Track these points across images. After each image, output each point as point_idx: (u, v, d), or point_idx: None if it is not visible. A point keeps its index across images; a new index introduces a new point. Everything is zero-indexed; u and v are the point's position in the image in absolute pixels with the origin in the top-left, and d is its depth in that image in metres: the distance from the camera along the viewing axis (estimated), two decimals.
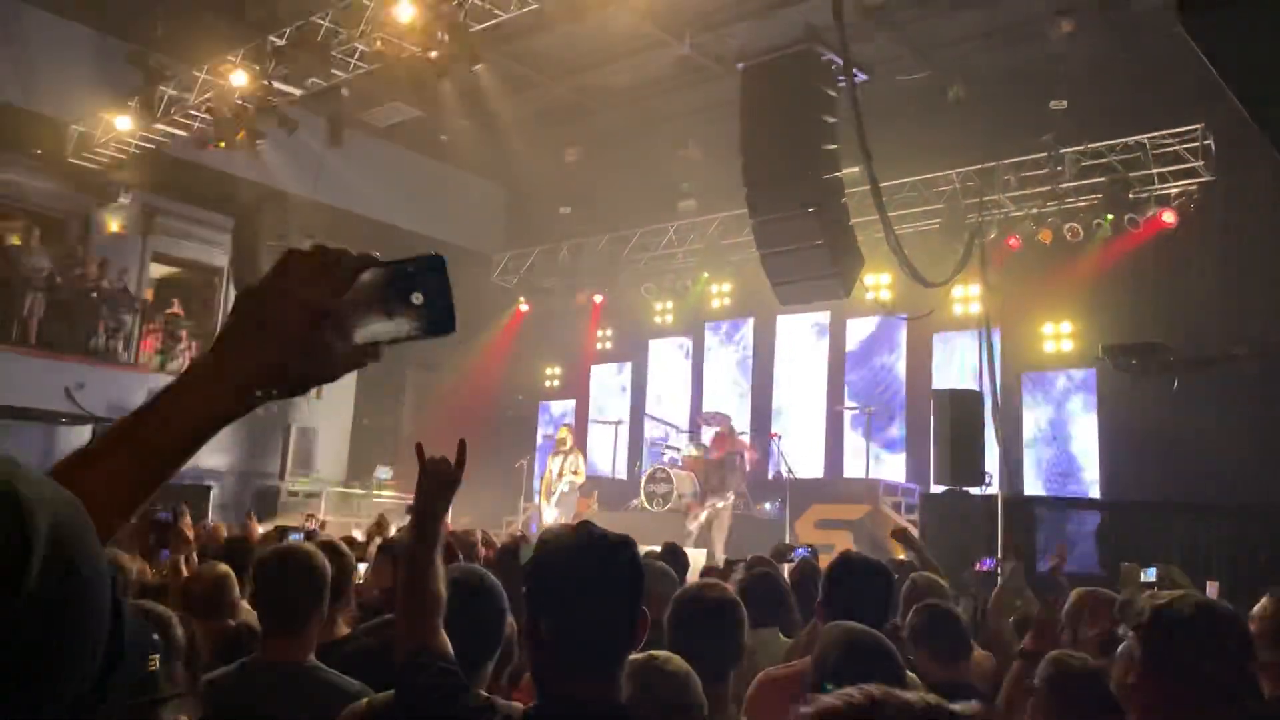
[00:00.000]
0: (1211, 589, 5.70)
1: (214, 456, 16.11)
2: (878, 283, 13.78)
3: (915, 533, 10.60)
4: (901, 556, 8.56)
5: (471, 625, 2.18)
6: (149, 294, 16.68)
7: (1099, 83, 11.79)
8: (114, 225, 15.41)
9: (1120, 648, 2.20)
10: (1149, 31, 10.39)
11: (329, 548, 3.22)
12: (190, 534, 6.16)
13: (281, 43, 11.61)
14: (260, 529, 9.11)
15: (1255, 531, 8.44)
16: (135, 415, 0.92)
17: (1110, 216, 11.76)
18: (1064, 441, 12.99)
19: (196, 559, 4.78)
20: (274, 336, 0.95)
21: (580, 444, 15.39)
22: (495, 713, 1.83)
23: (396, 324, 0.99)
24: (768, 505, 13.64)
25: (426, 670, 1.94)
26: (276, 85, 12.08)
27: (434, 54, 10.70)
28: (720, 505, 12.44)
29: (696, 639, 2.75)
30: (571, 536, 1.84)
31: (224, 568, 3.46)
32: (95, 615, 0.69)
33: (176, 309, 16.88)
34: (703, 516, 12.42)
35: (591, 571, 1.77)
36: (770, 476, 14.39)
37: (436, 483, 2.18)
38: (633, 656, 2.48)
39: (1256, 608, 2.93)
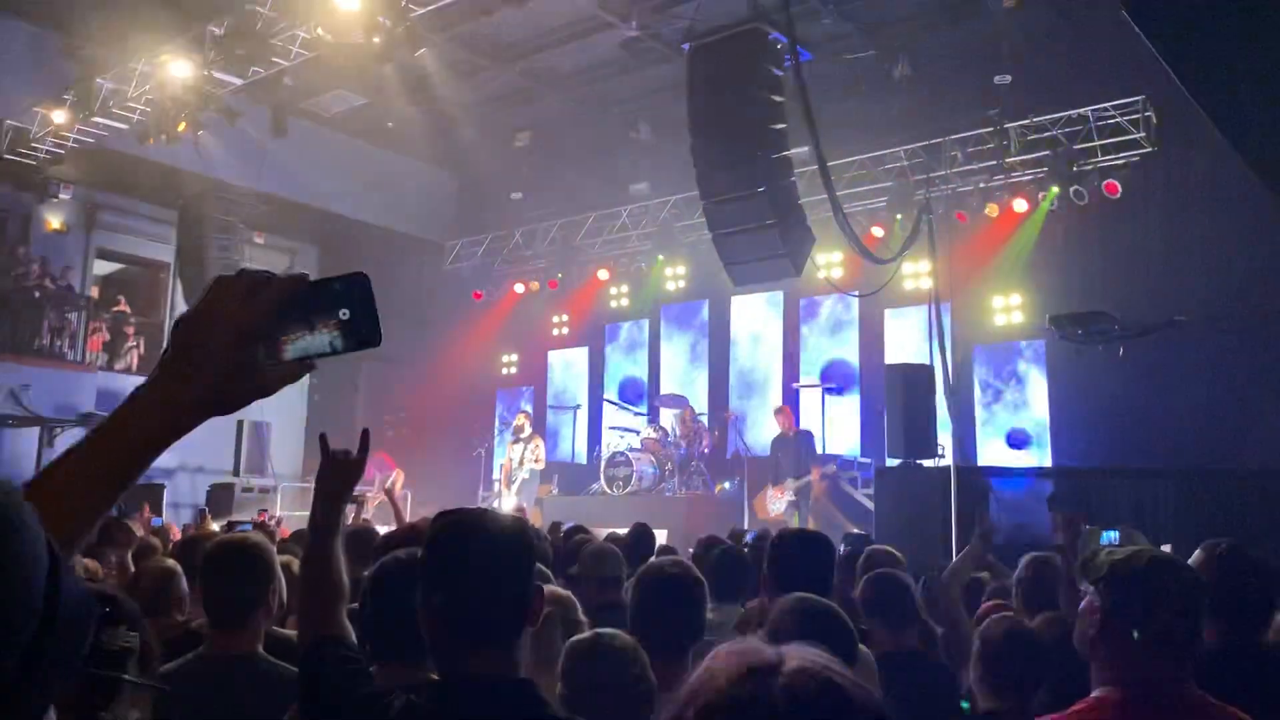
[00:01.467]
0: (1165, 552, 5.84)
1: (166, 454, 15.79)
2: (829, 261, 13.87)
3: (870, 506, 10.73)
4: (856, 530, 8.67)
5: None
6: (94, 291, 16.39)
7: (1042, 57, 11.91)
8: (55, 222, 15.12)
9: (1082, 603, 2.27)
10: (1090, 5, 10.52)
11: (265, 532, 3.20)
12: (140, 531, 6.10)
13: (220, 32, 11.40)
14: (215, 525, 9.03)
15: (1200, 494, 8.63)
16: (89, 439, 1.02)
17: (1055, 189, 11.93)
18: (1016, 411, 13.18)
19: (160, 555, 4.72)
20: (203, 360, 1.02)
21: (539, 430, 15.37)
22: (396, 696, 1.83)
23: (325, 339, 1.07)
24: (726, 484, 13.72)
25: (327, 658, 1.95)
26: (216, 75, 11.88)
27: (377, 40, 10.56)
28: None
29: (656, 615, 2.76)
30: (463, 515, 1.89)
31: (171, 563, 3.42)
32: (20, 582, 0.72)
33: (123, 305, 16.62)
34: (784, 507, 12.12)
35: (480, 548, 1.81)
36: (729, 456, 14.48)
37: (338, 474, 2.16)
38: (580, 635, 2.50)
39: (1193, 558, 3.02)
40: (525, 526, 1.91)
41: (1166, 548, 5.99)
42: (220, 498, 13.39)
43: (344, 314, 1.06)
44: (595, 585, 4.20)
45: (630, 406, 15.24)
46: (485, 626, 1.78)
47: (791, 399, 14.63)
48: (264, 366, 1.04)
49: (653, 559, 4.71)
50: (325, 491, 2.15)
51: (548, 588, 3.03)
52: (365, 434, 2.22)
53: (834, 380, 14.21)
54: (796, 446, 12.32)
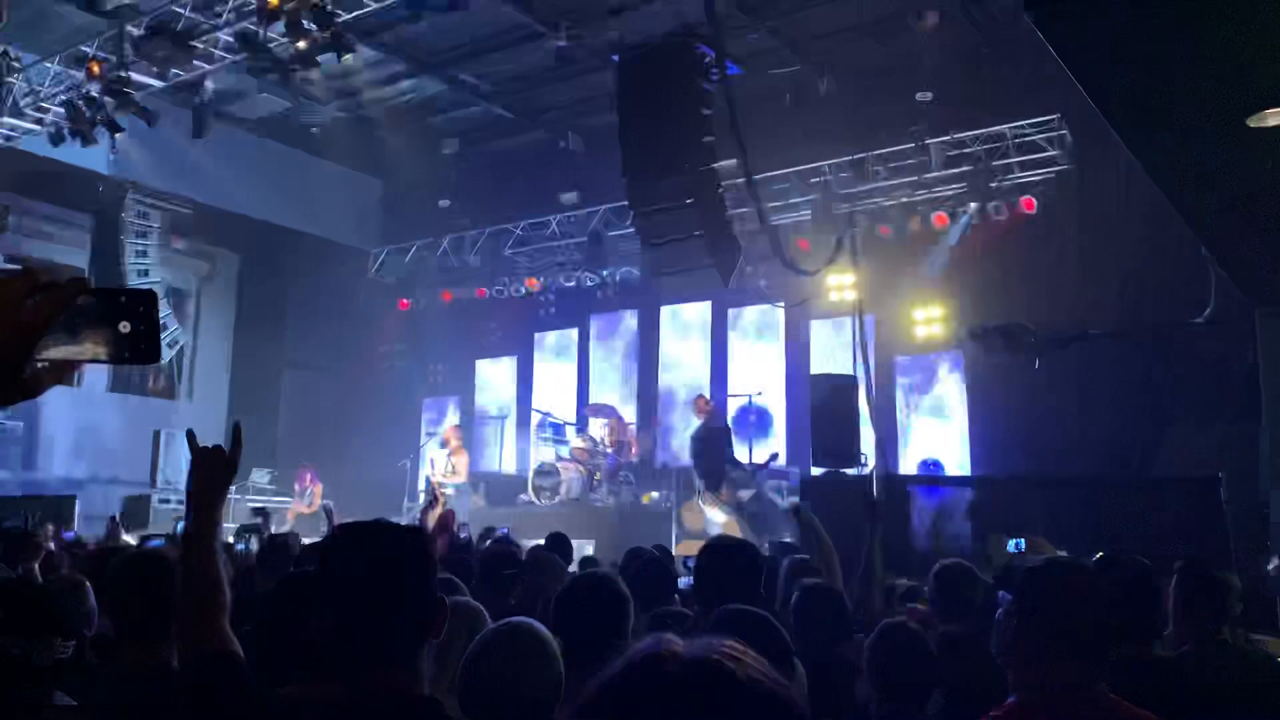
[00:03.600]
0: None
1: (79, 464, 15.40)
2: (756, 271, 13.99)
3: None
4: (787, 539, 8.74)
5: None
6: None
7: (962, 75, 12.21)
8: None
9: (998, 611, 2.33)
10: (1008, 24, 10.81)
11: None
12: (49, 544, 5.90)
13: (140, 33, 11.12)
14: (129, 538, 8.77)
15: (1111, 502, 8.87)
16: None
17: (975, 205, 12.23)
18: (936, 421, 13.43)
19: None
20: None
21: (467, 440, 15.22)
22: (296, 712, 1.78)
23: (97, 348, 1.04)
24: (655, 494, 13.73)
25: (214, 677, 1.86)
26: (135, 77, 11.58)
27: (301, 44, 10.40)
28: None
29: (579, 627, 2.75)
30: (358, 529, 1.85)
31: (78, 577, 3.32)
32: None
33: None
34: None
35: (375, 562, 1.78)
36: (657, 466, 14.51)
37: (212, 471, 2.05)
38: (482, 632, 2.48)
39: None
40: (421, 538, 1.87)
41: (1062, 553, 6.17)
42: (136, 510, 13.01)
43: (124, 327, 1.04)
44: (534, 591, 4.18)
45: (557, 418, 15.18)
46: (383, 641, 1.74)
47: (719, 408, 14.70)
48: (30, 369, 0.99)
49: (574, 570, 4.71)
50: (197, 492, 2.01)
51: (454, 599, 3.00)
52: (237, 427, 2.11)
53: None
54: (716, 442, 11.99)
